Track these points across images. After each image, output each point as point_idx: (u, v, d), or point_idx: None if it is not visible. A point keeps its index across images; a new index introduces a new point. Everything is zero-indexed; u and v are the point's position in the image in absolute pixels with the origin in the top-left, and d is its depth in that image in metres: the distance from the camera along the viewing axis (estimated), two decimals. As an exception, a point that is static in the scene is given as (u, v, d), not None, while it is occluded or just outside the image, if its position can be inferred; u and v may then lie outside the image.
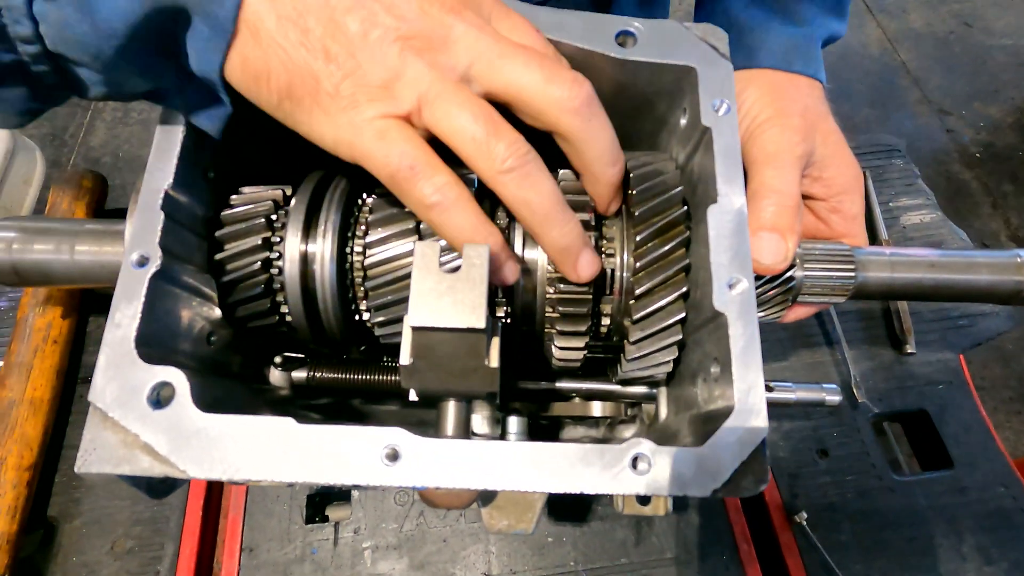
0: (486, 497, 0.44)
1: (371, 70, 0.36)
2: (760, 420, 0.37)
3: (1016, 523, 0.73)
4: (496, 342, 0.39)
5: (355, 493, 0.75)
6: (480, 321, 0.35)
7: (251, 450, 0.36)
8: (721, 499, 0.74)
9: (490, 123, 0.37)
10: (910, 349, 0.82)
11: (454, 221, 0.38)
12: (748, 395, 0.38)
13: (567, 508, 0.73)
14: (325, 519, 0.74)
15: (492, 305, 0.45)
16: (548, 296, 0.46)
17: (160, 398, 0.37)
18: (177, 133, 0.43)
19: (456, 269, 0.36)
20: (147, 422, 0.36)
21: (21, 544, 0.68)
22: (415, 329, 0.36)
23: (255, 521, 0.73)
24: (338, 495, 0.76)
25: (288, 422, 0.37)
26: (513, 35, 0.41)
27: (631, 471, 0.36)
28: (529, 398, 0.57)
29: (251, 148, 0.54)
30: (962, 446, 0.77)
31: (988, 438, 0.78)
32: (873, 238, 0.91)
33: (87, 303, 0.84)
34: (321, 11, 0.35)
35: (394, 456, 0.36)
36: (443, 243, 0.41)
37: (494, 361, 0.38)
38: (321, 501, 0.76)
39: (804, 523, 0.72)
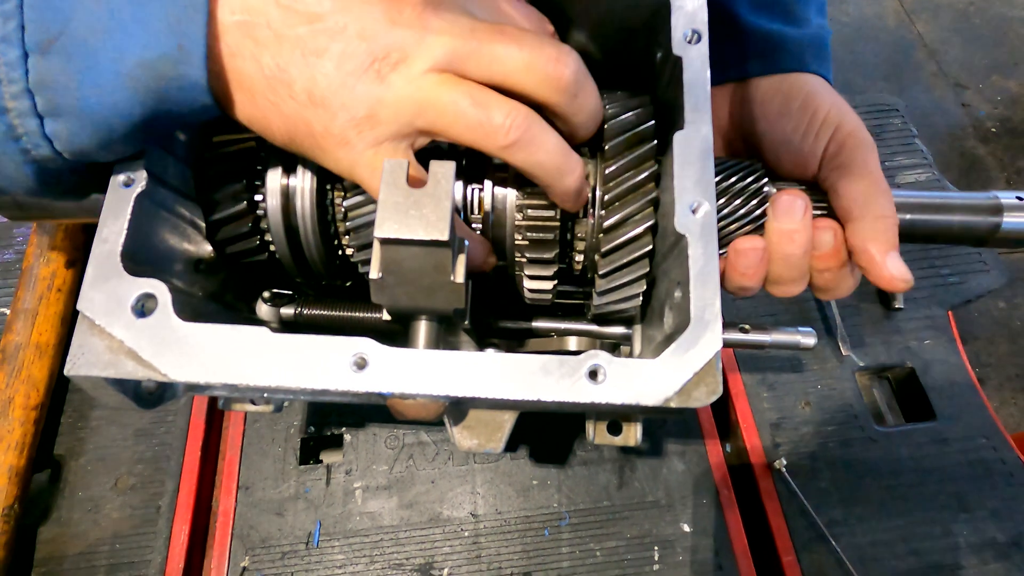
0: (456, 415, 0.46)
1: (353, 105, 0.37)
2: (714, 334, 0.38)
3: (996, 472, 0.73)
4: (462, 258, 0.40)
5: (347, 436, 0.78)
6: (444, 234, 0.37)
7: (228, 356, 0.38)
8: (702, 442, 0.75)
9: (478, 105, 0.38)
10: (898, 305, 0.82)
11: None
12: (704, 311, 0.39)
13: (550, 452, 0.75)
14: (319, 462, 0.77)
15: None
16: (517, 223, 0.47)
17: (144, 308, 0.39)
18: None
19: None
20: (131, 329, 0.38)
21: (29, 478, 0.72)
22: (382, 242, 0.38)
23: (251, 461, 0.76)
24: (331, 440, 0.79)
25: (263, 331, 0.39)
26: (492, 16, 0.41)
27: (588, 381, 0.38)
28: (507, 336, 0.59)
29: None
30: (946, 399, 0.78)
31: (972, 392, 0.78)
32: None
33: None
34: (300, 60, 0.36)
35: (362, 364, 0.38)
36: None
37: (460, 277, 0.40)
38: (315, 445, 0.79)
39: (784, 470, 0.73)
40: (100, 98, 0.35)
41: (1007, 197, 0.53)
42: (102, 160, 0.40)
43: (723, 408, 0.80)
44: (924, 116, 2.58)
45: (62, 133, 0.35)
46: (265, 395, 0.48)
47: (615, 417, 0.49)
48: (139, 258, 0.42)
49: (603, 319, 0.57)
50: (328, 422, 0.78)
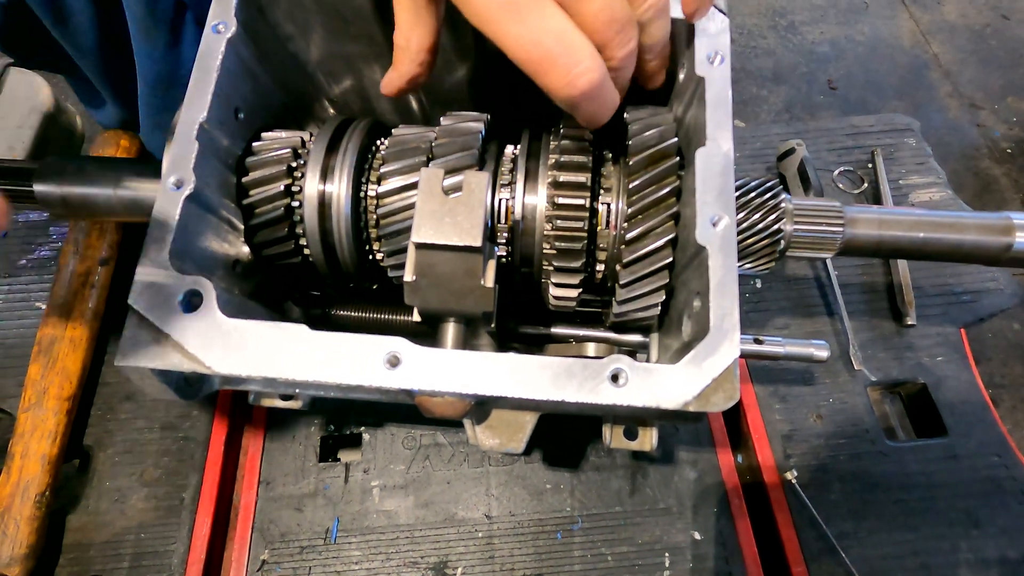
0: (479, 415, 0.48)
1: None
2: (733, 343, 0.40)
3: (1007, 490, 0.74)
4: (492, 264, 0.42)
5: (366, 436, 0.80)
6: (476, 240, 0.39)
7: (268, 350, 0.40)
8: (714, 451, 0.76)
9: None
10: (910, 321, 0.83)
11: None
12: (723, 320, 0.40)
13: (564, 457, 0.77)
14: (337, 460, 0.79)
15: (493, 235, 0.49)
16: (545, 233, 0.49)
17: (191, 304, 0.42)
18: (212, 73, 0.47)
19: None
20: (179, 323, 0.41)
21: (60, 466, 0.74)
22: (418, 246, 0.40)
23: (272, 458, 0.78)
24: (350, 439, 0.81)
25: (302, 328, 0.41)
26: None
27: (610, 384, 0.39)
28: (528, 341, 0.61)
29: (276, 93, 0.58)
30: (957, 416, 0.78)
31: (984, 409, 0.79)
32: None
33: (123, 254, 0.89)
34: None
35: (395, 362, 0.40)
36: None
37: (489, 281, 0.42)
38: (334, 444, 0.81)
39: (794, 481, 0.74)
40: None
41: (1019, 218, 0.55)
42: None
43: (735, 419, 0.81)
44: (939, 136, 2.58)
45: None
46: (298, 390, 0.50)
47: (632, 422, 0.51)
48: (185, 257, 0.44)
49: (621, 327, 0.59)
50: (347, 422, 0.80)
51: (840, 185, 0.95)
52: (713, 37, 0.48)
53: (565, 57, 0.37)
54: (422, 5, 0.44)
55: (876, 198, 0.93)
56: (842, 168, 0.96)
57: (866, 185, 0.94)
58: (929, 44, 2.83)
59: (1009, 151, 2.57)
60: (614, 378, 0.40)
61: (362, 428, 0.80)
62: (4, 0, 0.46)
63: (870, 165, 0.96)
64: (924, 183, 0.95)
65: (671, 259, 0.48)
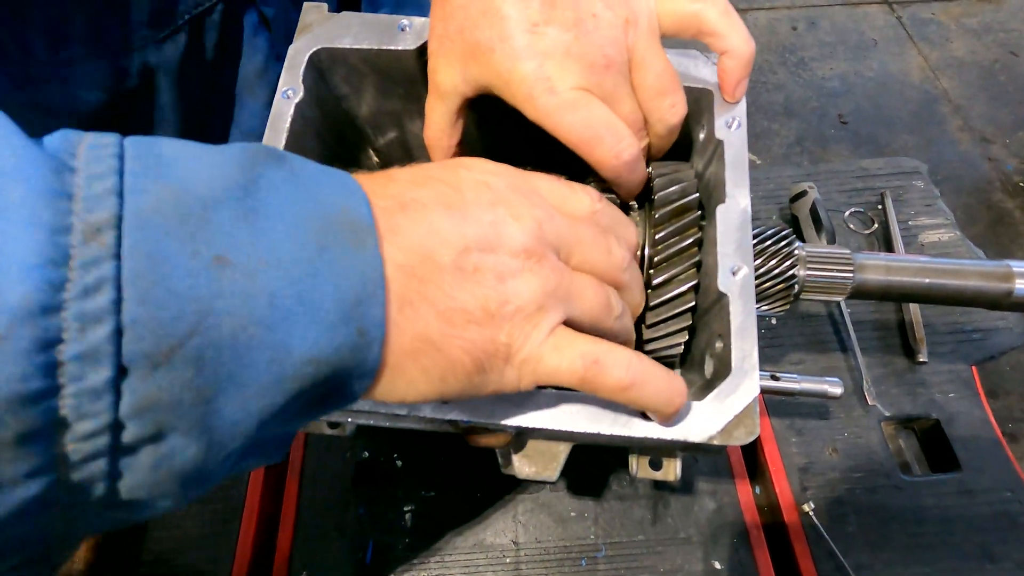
0: (517, 445, 0.52)
1: (524, 304, 0.35)
2: (752, 382, 0.44)
3: (1020, 525, 0.76)
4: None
5: (399, 462, 0.84)
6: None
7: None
8: (732, 483, 0.79)
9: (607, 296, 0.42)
10: (922, 358, 0.86)
11: (651, 388, 0.40)
12: (743, 361, 0.45)
13: (587, 485, 0.80)
14: (372, 484, 0.83)
15: None
16: None
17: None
18: (281, 134, 0.53)
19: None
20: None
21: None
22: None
23: (310, 482, 0.82)
24: (384, 464, 0.85)
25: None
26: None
27: (641, 419, 0.44)
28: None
29: (331, 146, 0.64)
30: (970, 451, 0.81)
31: (997, 446, 0.81)
32: (891, 254, 0.95)
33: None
34: (461, 285, 0.33)
35: (447, 397, 0.45)
36: None
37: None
38: (369, 469, 0.85)
39: (811, 513, 0.77)
40: (241, 412, 0.26)
41: (1018, 266, 0.58)
42: (151, 511, 0.28)
43: (752, 451, 0.84)
44: (951, 169, 2.62)
45: (142, 461, 0.24)
46: (350, 419, 0.55)
47: (658, 453, 0.55)
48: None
49: (646, 363, 0.63)
50: (381, 448, 0.85)
51: (851, 226, 0.99)
52: (732, 105, 0.53)
53: (611, 136, 0.47)
54: (455, 114, 0.54)
55: (886, 238, 0.97)
56: (853, 209, 1.00)
57: (876, 226, 0.99)
58: (938, 79, 2.89)
59: (1022, 184, 2.60)
60: (644, 414, 0.44)
61: (395, 454, 0.84)
62: (133, 84, 0.56)
63: (880, 206, 1.00)
64: (932, 224, 0.99)
65: (694, 303, 0.53)
